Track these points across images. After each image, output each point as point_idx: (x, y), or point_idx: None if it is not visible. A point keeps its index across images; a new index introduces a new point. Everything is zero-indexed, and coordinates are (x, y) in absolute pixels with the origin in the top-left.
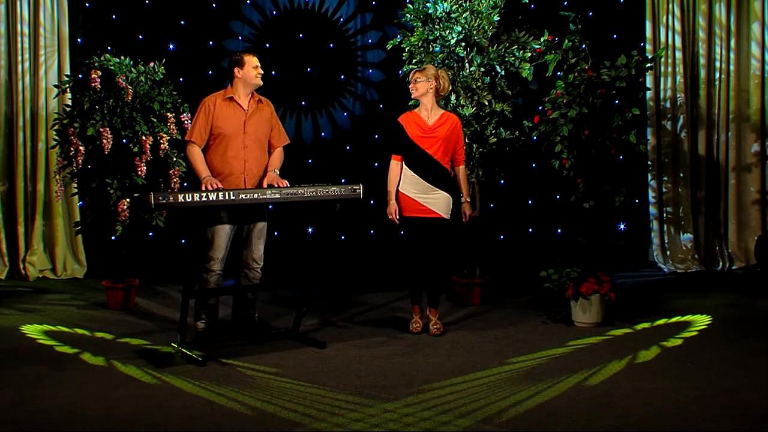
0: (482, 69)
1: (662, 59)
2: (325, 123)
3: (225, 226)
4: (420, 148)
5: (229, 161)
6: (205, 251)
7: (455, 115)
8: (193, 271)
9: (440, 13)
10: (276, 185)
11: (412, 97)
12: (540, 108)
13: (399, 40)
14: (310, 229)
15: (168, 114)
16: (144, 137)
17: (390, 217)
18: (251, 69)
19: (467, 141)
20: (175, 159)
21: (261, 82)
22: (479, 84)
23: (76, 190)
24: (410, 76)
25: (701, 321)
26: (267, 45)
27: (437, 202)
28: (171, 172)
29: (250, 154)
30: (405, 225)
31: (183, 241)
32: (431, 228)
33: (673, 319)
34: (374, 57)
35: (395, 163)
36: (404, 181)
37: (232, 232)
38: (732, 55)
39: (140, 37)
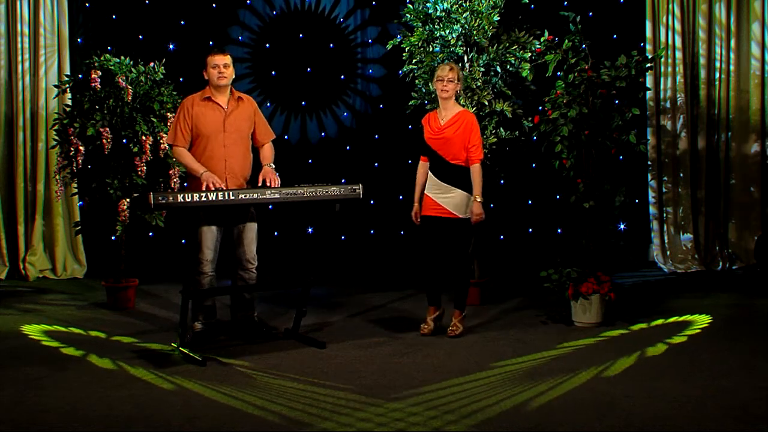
0: (482, 69)
1: (662, 59)
2: (325, 123)
3: (211, 227)
4: (431, 149)
5: (210, 161)
6: (194, 254)
7: (470, 114)
8: (190, 273)
9: (440, 12)
10: (269, 180)
11: (443, 97)
12: (540, 108)
13: (399, 39)
14: (309, 229)
15: (168, 114)
16: (144, 137)
17: (414, 219)
18: (211, 69)
19: None
20: (175, 159)
21: (223, 83)
22: (479, 84)
23: (76, 190)
24: (441, 73)
25: (701, 321)
26: (267, 45)
27: (451, 201)
28: (171, 172)
29: (231, 153)
30: (422, 223)
31: (183, 241)
32: (446, 227)
33: (674, 319)
34: (374, 56)
35: (420, 164)
36: (428, 182)
37: (219, 234)
38: (732, 55)
39: (140, 37)
